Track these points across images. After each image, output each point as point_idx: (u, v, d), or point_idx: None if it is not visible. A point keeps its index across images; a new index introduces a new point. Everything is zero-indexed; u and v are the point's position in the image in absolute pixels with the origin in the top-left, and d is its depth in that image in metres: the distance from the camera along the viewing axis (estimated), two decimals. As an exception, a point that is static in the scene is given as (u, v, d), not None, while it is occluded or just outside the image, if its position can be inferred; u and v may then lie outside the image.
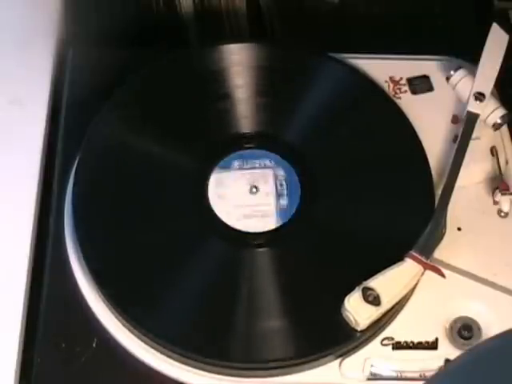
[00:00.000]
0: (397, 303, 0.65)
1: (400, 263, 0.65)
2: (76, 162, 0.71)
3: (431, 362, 0.64)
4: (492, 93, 0.72)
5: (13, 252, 0.69)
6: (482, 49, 0.73)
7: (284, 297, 0.66)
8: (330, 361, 0.65)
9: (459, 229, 0.70)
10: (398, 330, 0.66)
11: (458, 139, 0.71)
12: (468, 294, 0.67)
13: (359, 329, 0.64)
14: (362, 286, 0.64)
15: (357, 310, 0.63)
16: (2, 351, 0.65)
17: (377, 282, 0.64)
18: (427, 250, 0.66)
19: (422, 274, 0.65)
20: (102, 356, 0.65)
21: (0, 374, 0.64)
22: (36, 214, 0.71)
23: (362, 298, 0.63)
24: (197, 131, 0.73)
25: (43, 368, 0.65)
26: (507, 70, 0.73)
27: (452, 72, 0.75)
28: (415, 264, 0.65)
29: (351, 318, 0.64)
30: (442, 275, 0.66)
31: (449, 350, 0.65)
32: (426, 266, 0.65)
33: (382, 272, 0.64)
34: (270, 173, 0.72)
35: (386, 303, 0.64)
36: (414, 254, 0.65)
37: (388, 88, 0.77)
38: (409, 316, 0.66)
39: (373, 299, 0.64)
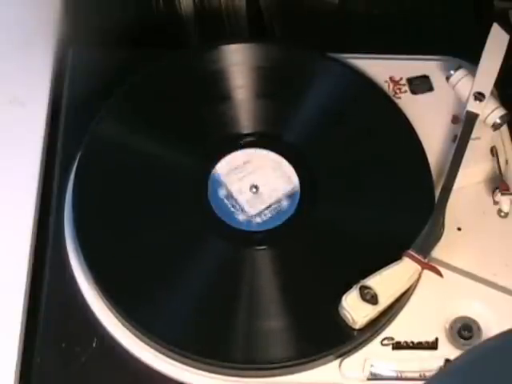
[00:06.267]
0: (395, 302, 0.65)
1: (397, 262, 0.65)
2: (76, 161, 0.71)
3: (431, 361, 0.64)
4: (492, 93, 0.72)
5: (13, 252, 0.69)
6: (482, 49, 0.73)
7: (284, 297, 0.66)
8: (329, 361, 0.65)
9: (459, 229, 0.70)
10: (397, 330, 0.66)
11: (458, 139, 0.71)
12: (468, 294, 0.67)
13: (357, 327, 0.64)
14: (359, 285, 0.64)
15: (354, 308, 0.63)
16: (2, 351, 0.65)
17: (374, 281, 0.64)
18: (425, 250, 0.65)
19: (420, 273, 0.66)
20: (101, 356, 0.65)
21: (0, 374, 0.64)
22: (36, 214, 0.71)
23: (360, 297, 0.63)
24: (197, 131, 0.73)
25: (43, 368, 0.65)
26: (507, 69, 0.73)
27: (452, 72, 0.74)
28: (413, 263, 0.65)
29: (348, 317, 0.64)
30: (440, 274, 0.66)
31: (449, 350, 0.65)
32: (424, 266, 0.65)
33: (380, 271, 0.65)
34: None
35: (384, 302, 0.64)
36: (412, 253, 0.65)
37: (388, 88, 0.77)
38: (409, 316, 0.66)
39: (370, 298, 0.64)
